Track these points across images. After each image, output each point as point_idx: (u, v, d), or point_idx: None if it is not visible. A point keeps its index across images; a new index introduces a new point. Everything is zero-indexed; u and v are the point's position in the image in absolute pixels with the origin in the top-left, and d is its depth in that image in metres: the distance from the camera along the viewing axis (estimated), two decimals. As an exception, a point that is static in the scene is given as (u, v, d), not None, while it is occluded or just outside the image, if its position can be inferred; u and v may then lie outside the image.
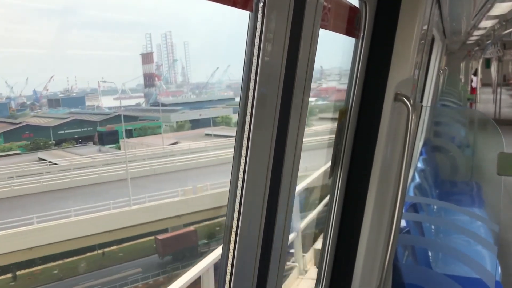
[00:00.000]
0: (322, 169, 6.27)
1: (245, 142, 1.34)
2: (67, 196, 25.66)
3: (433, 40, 6.75)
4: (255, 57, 1.27)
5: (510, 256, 4.48)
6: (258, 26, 1.24)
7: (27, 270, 23.39)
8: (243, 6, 1.22)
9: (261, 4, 1.23)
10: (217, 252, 4.32)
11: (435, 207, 5.86)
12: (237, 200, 1.38)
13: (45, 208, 23.48)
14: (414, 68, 2.18)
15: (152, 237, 25.44)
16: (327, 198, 2.39)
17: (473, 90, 23.81)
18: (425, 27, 2.29)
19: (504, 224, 5.30)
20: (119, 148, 36.85)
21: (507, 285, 4.08)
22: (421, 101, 7.02)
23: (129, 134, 40.96)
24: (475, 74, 24.12)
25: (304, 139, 1.58)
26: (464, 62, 20.41)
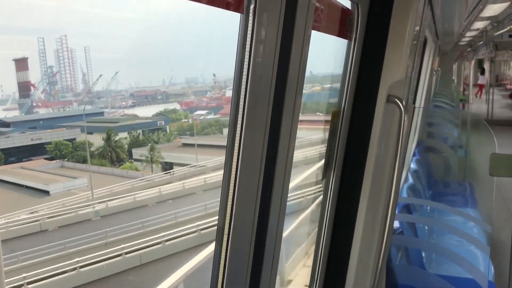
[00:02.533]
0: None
1: (237, 143, 1.34)
2: None
3: (425, 41, 6.78)
4: (246, 59, 1.27)
5: (503, 256, 4.50)
6: (249, 28, 1.25)
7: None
8: (235, 8, 1.22)
9: (252, 6, 1.23)
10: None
11: (428, 208, 5.87)
12: (229, 201, 1.38)
13: None
14: (406, 69, 2.18)
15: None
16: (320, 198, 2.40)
17: (480, 87, 24.66)
18: (417, 28, 2.30)
19: (497, 225, 5.32)
20: None
21: (499, 285, 4.10)
22: (414, 102, 7.05)
23: None
24: (482, 73, 24.75)
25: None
26: (457, 63, 20.50)
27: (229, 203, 1.38)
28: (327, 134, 2.14)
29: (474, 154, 7.88)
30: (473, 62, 19.28)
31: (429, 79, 8.99)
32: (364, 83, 2.16)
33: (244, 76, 1.28)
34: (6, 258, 19.42)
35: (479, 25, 9.00)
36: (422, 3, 2.44)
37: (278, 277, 5.53)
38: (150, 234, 22.77)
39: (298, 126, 1.57)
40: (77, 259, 19.52)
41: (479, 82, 25.64)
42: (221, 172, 1.40)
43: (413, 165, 6.42)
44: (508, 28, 8.56)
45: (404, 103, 2.10)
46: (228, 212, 1.38)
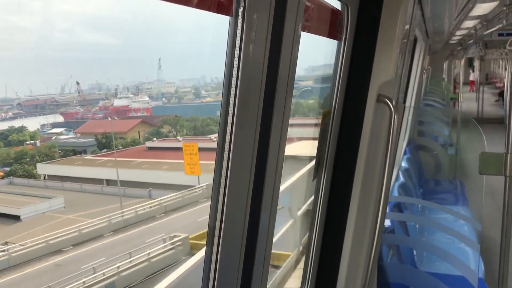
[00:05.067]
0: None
1: (227, 143, 1.34)
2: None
3: (415, 40, 6.82)
4: (235, 61, 1.28)
5: (493, 254, 4.54)
6: (238, 31, 1.25)
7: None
8: (223, 11, 1.23)
9: (241, 9, 1.23)
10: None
11: (419, 206, 5.91)
12: (220, 201, 1.38)
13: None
14: (396, 68, 2.19)
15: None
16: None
17: (472, 82, 25.63)
18: (406, 27, 2.32)
19: (487, 222, 5.37)
20: None
21: (490, 282, 4.13)
22: (404, 101, 7.08)
23: None
24: (473, 70, 25.63)
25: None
26: (447, 62, 20.62)
27: (220, 203, 1.38)
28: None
29: (464, 152, 7.93)
30: (463, 60, 19.39)
31: (419, 77, 9.04)
32: (354, 83, 2.17)
33: (234, 78, 1.29)
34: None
35: (468, 24, 9.07)
36: (412, 3, 2.46)
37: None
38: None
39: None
40: None
41: (470, 78, 26.79)
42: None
43: (404, 164, 6.46)
44: (498, 27, 8.61)
45: (394, 102, 2.11)
46: (219, 212, 1.38)
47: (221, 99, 1.34)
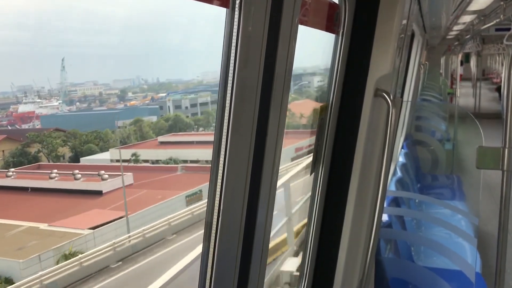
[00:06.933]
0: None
1: (224, 139, 1.33)
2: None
3: (413, 35, 6.81)
4: (232, 54, 1.27)
5: (490, 248, 4.56)
6: (235, 23, 1.24)
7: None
8: (220, 3, 1.22)
9: (238, 1, 1.22)
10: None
11: (416, 201, 5.92)
12: (217, 197, 1.38)
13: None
14: (394, 63, 2.19)
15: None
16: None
17: (461, 76, 25.82)
18: (404, 22, 2.31)
19: (484, 217, 5.38)
20: None
21: (487, 276, 4.14)
22: (402, 96, 7.08)
23: None
24: (461, 64, 25.67)
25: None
26: (444, 57, 20.64)
27: (217, 198, 1.38)
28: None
29: (461, 147, 7.95)
30: (460, 55, 19.39)
31: (417, 72, 9.04)
32: (352, 77, 2.17)
33: (231, 72, 1.28)
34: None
35: (466, 19, 9.08)
36: None
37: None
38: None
39: None
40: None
41: (460, 72, 27.13)
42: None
43: (401, 159, 6.47)
44: (495, 21, 8.61)
45: (391, 97, 2.11)
46: (216, 207, 1.38)
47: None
